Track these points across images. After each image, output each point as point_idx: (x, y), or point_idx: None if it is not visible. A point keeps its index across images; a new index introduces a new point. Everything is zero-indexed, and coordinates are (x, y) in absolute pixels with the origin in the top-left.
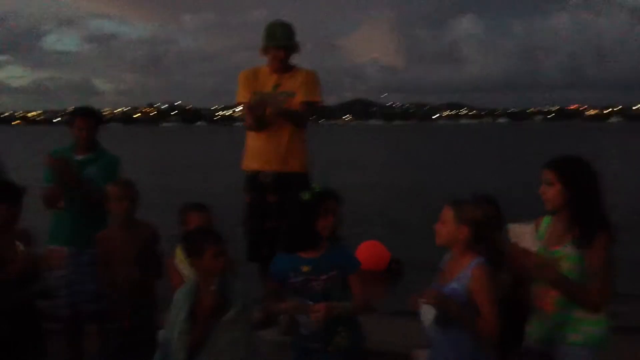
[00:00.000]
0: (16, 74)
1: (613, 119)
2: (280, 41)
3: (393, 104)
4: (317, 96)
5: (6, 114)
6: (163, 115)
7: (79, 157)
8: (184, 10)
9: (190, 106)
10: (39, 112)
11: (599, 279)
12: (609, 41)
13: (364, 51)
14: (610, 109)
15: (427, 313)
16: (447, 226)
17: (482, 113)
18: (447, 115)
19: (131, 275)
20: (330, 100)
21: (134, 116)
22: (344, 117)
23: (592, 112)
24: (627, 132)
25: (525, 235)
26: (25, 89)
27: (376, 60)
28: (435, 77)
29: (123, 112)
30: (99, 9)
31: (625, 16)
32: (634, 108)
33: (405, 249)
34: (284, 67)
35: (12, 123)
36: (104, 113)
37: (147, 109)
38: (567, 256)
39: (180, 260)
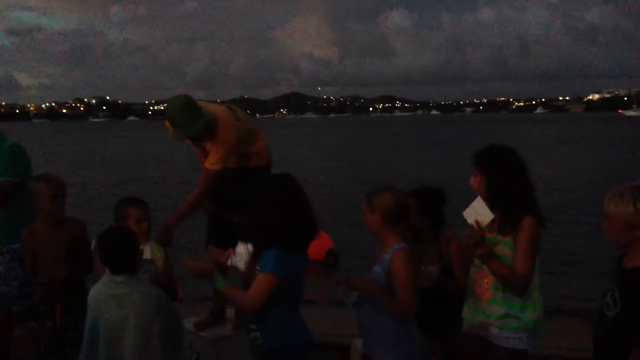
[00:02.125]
0: None
1: (538, 110)
2: (187, 132)
3: (328, 97)
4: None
5: None
6: (92, 110)
7: None
8: (111, 1)
9: (120, 101)
10: None
11: (520, 263)
12: (532, 36)
13: (297, 44)
14: (534, 101)
15: (349, 296)
16: (365, 216)
17: (417, 105)
18: (381, 107)
19: (59, 272)
20: (265, 94)
21: (62, 111)
22: (281, 111)
23: (519, 103)
24: (551, 123)
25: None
26: None
27: (310, 54)
28: (368, 70)
29: (49, 108)
30: (19, 0)
31: (545, 12)
32: (559, 99)
33: (346, 241)
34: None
35: None
36: (30, 108)
37: (75, 104)
38: (501, 242)
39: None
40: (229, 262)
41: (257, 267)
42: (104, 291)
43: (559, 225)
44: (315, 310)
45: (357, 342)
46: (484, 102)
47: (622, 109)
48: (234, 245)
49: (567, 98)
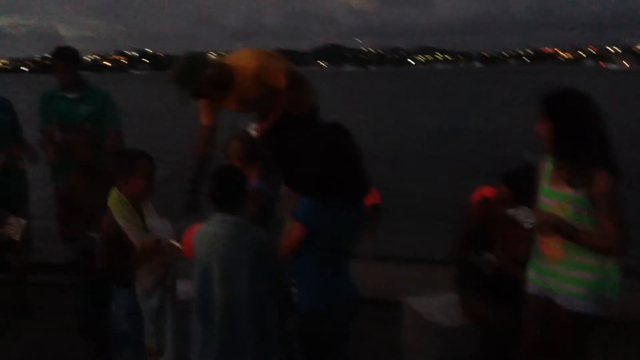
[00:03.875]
0: None
1: (587, 62)
2: (187, 92)
3: (367, 49)
4: (283, 76)
5: None
6: (133, 62)
7: (70, 96)
8: None
9: (162, 53)
10: (4, 61)
11: (609, 225)
12: None
13: None
14: (582, 52)
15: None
16: None
17: (459, 56)
18: (422, 60)
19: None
20: (302, 46)
21: (104, 64)
22: (319, 63)
23: (565, 54)
24: (602, 76)
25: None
26: None
27: (348, 4)
28: (408, 20)
29: (93, 60)
30: None
31: None
32: (609, 49)
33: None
34: (226, 89)
35: None
36: None
37: (117, 57)
38: (572, 198)
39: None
40: None
41: None
42: (217, 232)
43: None
44: (359, 264)
45: (411, 300)
46: (529, 52)
47: None
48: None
49: (616, 49)
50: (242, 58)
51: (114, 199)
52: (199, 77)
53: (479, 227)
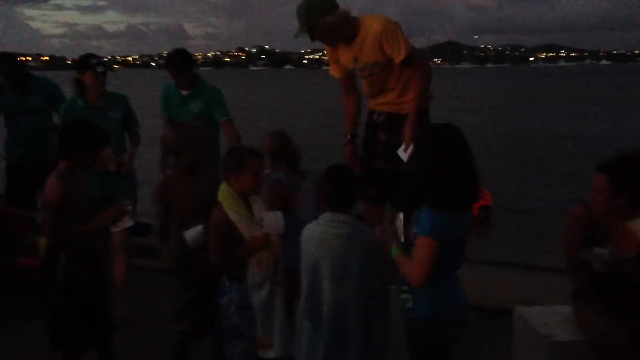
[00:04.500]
0: (113, 19)
1: None
2: (304, 26)
3: (485, 46)
4: (404, 47)
5: (107, 58)
6: (252, 58)
7: (184, 93)
8: None
9: (279, 50)
10: (136, 56)
11: None
12: None
13: None
14: None
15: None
16: None
17: (584, 54)
18: (544, 57)
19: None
20: (420, 43)
21: (225, 60)
22: (435, 60)
23: None
24: None
25: None
26: (121, 33)
27: (467, 0)
28: (529, 17)
29: (214, 56)
30: None
31: None
32: None
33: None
34: (343, 40)
35: (114, 67)
36: (198, 57)
37: (237, 53)
38: None
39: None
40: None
41: (413, 230)
42: (326, 231)
43: None
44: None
45: (522, 310)
46: None
47: None
48: (384, 201)
49: None
50: (372, 17)
51: (225, 193)
52: (320, 17)
53: (586, 229)
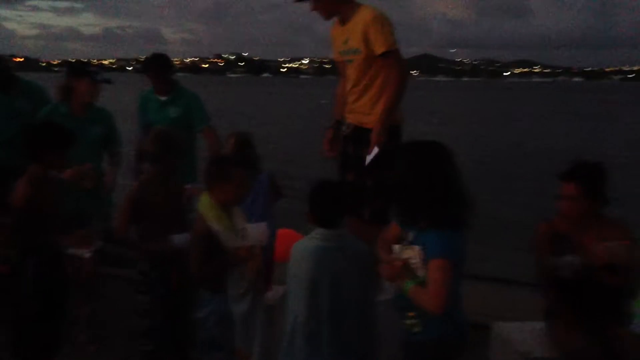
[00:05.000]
0: (89, 22)
1: None
2: None
3: (462, 60)
4: (385, 42)
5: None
6: (230, 65)
7: (161, 98)
8: None
9: (257, 57)
10: (112, 60)
11: None
12: None
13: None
14: None
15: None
16: None
17: (558, 70)
18: (518, 72)
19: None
20: None
21: (203, 66)
22: (411, 72)
23: None
24: None
25: None
26: (97, 36)
27: (443, 14)
28: (504, 32)
29: (192, 62)
30: None
31: None
32: None
33: None
34: (340, 18)
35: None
36: (175, 62)
37: (215, 60)
38: None
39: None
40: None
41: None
42: (324, 246)
43: None
44: None
45: (500, 325)
46: (634, 69)
47: None
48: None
49: None
50: (369, 7)
51: (207, 203)
52: None
53: (553, 243)
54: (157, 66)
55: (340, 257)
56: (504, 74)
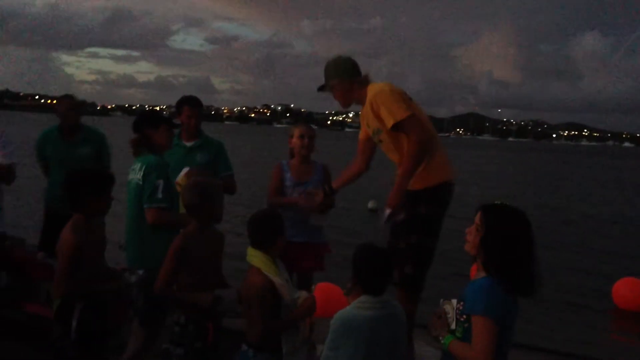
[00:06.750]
0: (144, 69)
1: None
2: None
3: (508, 120)
4: (390, 115)
5: (136, 106)
6: (277, 116)
7: (188, 144)
8: (304, 15)
9: (304, 109)
10: (163, 106)
11: None
12: None
13: (479, 64)
14: None
15: None
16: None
17: (607, 135)
18: (566, 135)
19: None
20: (441, 112)
21: (250, 115)
22: (457, 130)
23: None
24: None
25: None
26: (151, 84)
27: (491, 74)
28: (552, 94)
29: (240, 111)
30: (224, 11)
31: None
32: None
33: None
34: (356, 103)
35: None
36: (224, 111)
37: (262, 110)
38: None
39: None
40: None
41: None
42: (374, 315)
43: None
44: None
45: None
46: None
47: None
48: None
49: None
50: (371, 85)
51: (261, 258)
52: (329, 78)
53: None
54: (192, 107)
55: (394, 323)
56: (552, 135)
